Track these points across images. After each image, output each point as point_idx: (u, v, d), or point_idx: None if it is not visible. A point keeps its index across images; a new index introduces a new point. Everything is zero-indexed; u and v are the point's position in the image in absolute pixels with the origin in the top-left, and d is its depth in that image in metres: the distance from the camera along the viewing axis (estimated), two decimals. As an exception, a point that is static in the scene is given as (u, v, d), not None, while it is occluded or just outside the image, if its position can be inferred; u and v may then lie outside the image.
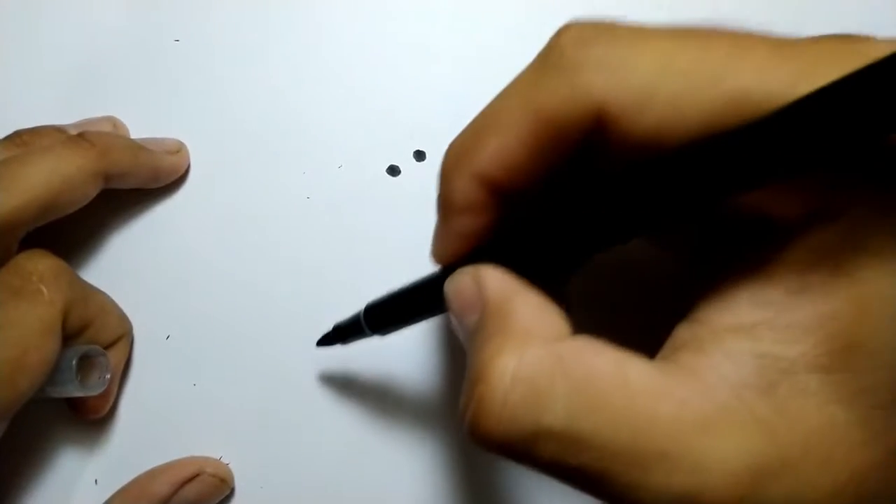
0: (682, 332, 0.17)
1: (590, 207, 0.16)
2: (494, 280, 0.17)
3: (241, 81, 0.31)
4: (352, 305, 0.29)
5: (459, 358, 0.29)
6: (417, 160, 0.30)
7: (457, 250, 0.20)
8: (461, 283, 0.18)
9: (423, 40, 0.31)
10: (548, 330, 0.16)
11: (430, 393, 0.29)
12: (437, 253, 0.21)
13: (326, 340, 0.27)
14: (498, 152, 0.17)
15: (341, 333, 0.26)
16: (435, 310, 0.22)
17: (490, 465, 0.28)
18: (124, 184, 0.28)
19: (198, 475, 0.28)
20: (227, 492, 0.29)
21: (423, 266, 0.29)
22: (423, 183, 0.30)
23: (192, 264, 0.30)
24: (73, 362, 0.25)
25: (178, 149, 0.30)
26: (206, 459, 0.29)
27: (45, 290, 0.24)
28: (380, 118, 0.30)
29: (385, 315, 0.24)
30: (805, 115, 0.13)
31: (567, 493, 0.28)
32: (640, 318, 0.19)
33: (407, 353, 0.29)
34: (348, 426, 0.29)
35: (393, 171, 0.30)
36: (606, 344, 0.16)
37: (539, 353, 0.15)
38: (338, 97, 0.31)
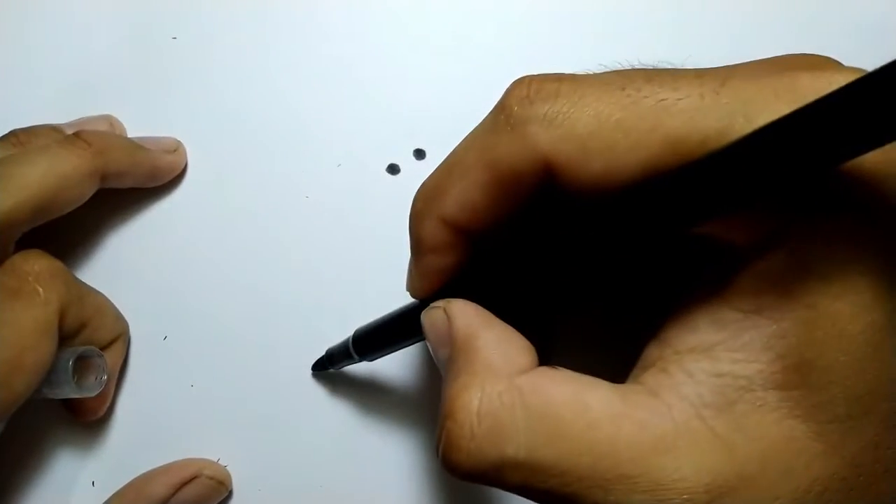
0: (650, 353, 0.18)
1: (547, 245, 0.18)
2: (462, 316, 0.19)
3: (239, 79, 0.31)
4: (352, 305, 0.29)
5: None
6: (417, 159, 0.30)
7: (429, 286, 0.21)
8: (433, 317, 0.20)
9: (423, 39, 0.31)
10: (511, 363, 0.17)
11: (426, 393, 0.29)
12: (412, 288, 0.22)
13: (320, 366, 0.29)
14: (460, 197, 0.19)
15: (332, 359, 0.28)
16: (416, 337, 0.23)
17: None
18: (121, 183, 0.28)
19: (196, 477, 0.28)
20: (225, 494, 0.29)
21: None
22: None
23: (190, 264, 0.30)
24: (70, 363, 0.25)
25: (176, 147, 0.30)
26: (204, 461, 0.28)
27: (41, 290, 0.24)
28: (379, 117, 0.30)
29: (371, 342, 0.25)
30: (736, 158, 0.14)
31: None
32: (619, 340, 0.21)
33: (403, 355, 0.29)
34: (346, 428, 0.29)
35: (392, 169, 0.30)
36: (568, 373, 0.17)
37: (500, 387, 0.17)
38: (337, 95, 0.30)
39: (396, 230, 0.29)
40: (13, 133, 0.27)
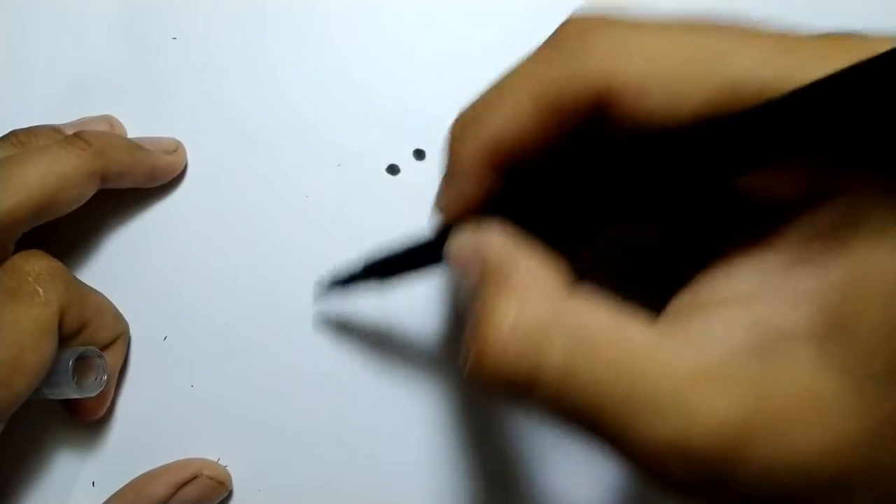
0: (681, 300, 0.18)
1: (592, 174, 0.17)
2: (496, 238, 0.18)
3: (239, 79, 0.31)
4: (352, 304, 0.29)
5: (453, 359, 0.29)
6: (417, 159, 0.30)
7: (459, 210, 0.20)
8: (463, 241, 0.19)
9: (423, 39, 0.31)
10: (547, 285, 0.17)
11: (429, 395, 0.29)
12: (441, 208, 0.21)
13: (326, 286, 0.28)
14: (505, 124, 0.18)
15: (341, 281, 0.27)
16: (434, 263, 0.22)
17: (491, 461, 0.28)
18: (121, 183, 0.28)
19: (196, 477, 0.28)
20: (225, 494, 0.29)
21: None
22: (423, 182, 0.30)
23: (190, 264, 0.30)
24: (70, 363, 0.25)
25: (175, 148, 0.30)
26: (204, 461, 0.29)
27: (40, 290, 0.24)
28: (379, 117, 0.30)
29: (385, 265, 0.25)
30: (802, 104, 0.14)
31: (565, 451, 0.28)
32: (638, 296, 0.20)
33: (404, 351, 0.29)
34: (347, 428, 0.29)
35: (392, 170, 0.30)
36: (605, 300, 0.17)
37: (536, 306, 0.16)
38: (337, 95, 0.30)
39: (397, 230, 0.29)
40: (13, 133, 0.27)
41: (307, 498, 0.29)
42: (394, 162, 0.30)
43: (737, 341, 0.16)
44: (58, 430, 0.29)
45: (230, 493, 0.29)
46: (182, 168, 0.30)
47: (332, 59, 0.31)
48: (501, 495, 0.28)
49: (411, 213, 0.30)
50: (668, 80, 0.16)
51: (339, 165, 0.30)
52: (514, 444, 0.29)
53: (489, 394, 0.17)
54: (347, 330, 0.29)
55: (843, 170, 0.15)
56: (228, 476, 0.29)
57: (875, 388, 0.15)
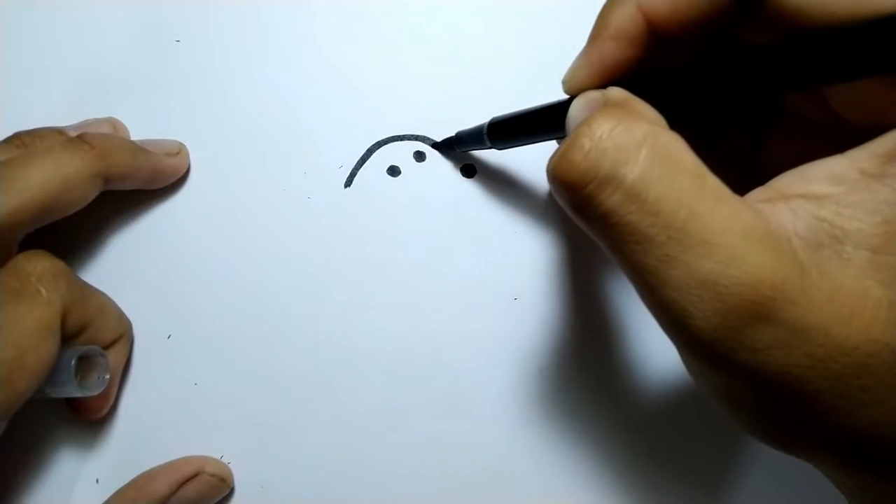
0: (754, 193, 0.18)
1: (737, 63, 0.18)
2: (619, 89, 0.19)
3: (241, 82, 0.31)
4: (353, 305, 0.29)
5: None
6: (417, 161, 0.30)
7: (591, 78, 0.21)
8: (590, 95, 0.20)
9: (423, 41, 0.31)
10: (654, 117, 0.18)
11: (431, 396, 0.29)
12: (572, 76, 0.22)
13: (445, 144, 0.29)
14: None
15: (461, 140, 0.28)
16: (554, 131, 0.23)
17: (494, 460, 0.28)
18: (124, 185, 0.28)
19: (197, 474, 0.28)
20: (227, 491, 0.29)
21: (423, 265, 0.29)
22: (423, 183, 0.30)
23: (193, 264, 0.30)
24: (72, 363, 0.25)
25: (178, 150, 0.30)
26: (206, 459, 0.29)
27: (43, 290, 0.24)
28: (380, 119, 0.30)
29: (506, 129, 0.25)
30: None
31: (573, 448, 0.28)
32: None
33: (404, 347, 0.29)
34: (348, 426, 0.29)
35: (393, 171, 0.30)
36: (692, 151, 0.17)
37: (638, 124, 0.17)
38: (338, 98, 0.31)
39: (397, 231, 0.30)
40: (17, 135, 0.27)
41: (308, 495, 0.29)
42: (394, 163, 0.30)
43: (798, 227, 0.16)
44: (61, 428, 0.29)
45: (232, 490, 0.29)
46: (185, 170, 0.30)
47: (334, 63, 0.31)
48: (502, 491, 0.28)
49: (412, 213, 0.30)
50: None
51: (340, 167, 0.30)
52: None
53: (560, 196, 0.18)
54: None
55: None
56: (230, 473, 0.29)
57: None
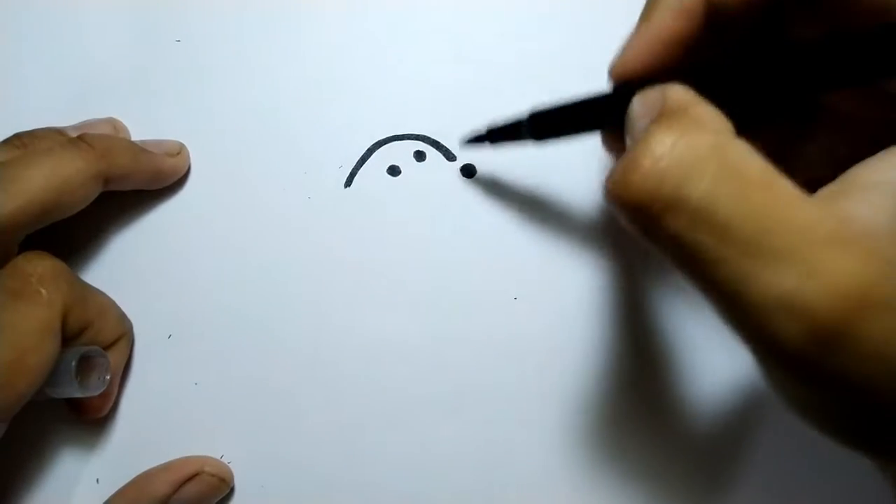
0: (827, 188, 0.17)
1: (793, 56, 0.17)
2: (678, 89, 0.18)
3: (242, 83, 0.31)
4: (353, 305, 0.29)
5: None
6: (417, 160, 0.30)
7: (643, 58, 0.20)
8: (648, 93, 0.19)
9: (424, 42, 0.31)
10: (718, 124, 0.17)
11: (431, 396, 0.29)
12: (621, 60, 0.21)
13: (477, 139, 0.28)
14: None
15: (494, 134, 0.27)
16: (601, 124, 0.22)
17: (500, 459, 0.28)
18: (125, 185, 0.28)
19: (197, 474, 0.28)
20: (227, 491, 0.29)
21: (423, 265, 0.29)
22: (423, 183, 0.30)
23: (194, 264, 0.30)
24: (73, 363, 0.25)
25: (179, 150, 0.30)
26: (206, 458, 0.29)
27: (43, 291, 0.24)
28: (380, 119, 0.30)
29: (550, 121, 0.24)
30: None
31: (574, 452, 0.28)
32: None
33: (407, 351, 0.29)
34: (348, 426, 0.29)
35: (393, 171, 0.30)
36: (763, 155, 0.16)
37: (701, 136, 0.16)
38: (338, 98, 0.30)
39: (397, 230, 0.30)
40: (17, 136, 0.27)
41: (308, 495, 0.29)
42: (394, 163, 0.30)
43: (879, 221, 0.16)
44: (62, 428, 0.29)
45: (232, 490, 0.29)
46: (185, 170, 0.30)
47: (335, 63, 0.31)
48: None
49: (412, 213, 0.30)
50: None
51: (340, 167, 0.30)
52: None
53: (622, 218, 0.17)
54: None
55: None
56: (230, 473, 0.29)
57: None
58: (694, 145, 0.16)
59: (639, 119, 0.19)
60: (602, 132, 0.24)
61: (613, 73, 0.21)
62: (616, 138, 0.20)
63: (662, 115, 0.17)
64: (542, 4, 0.30)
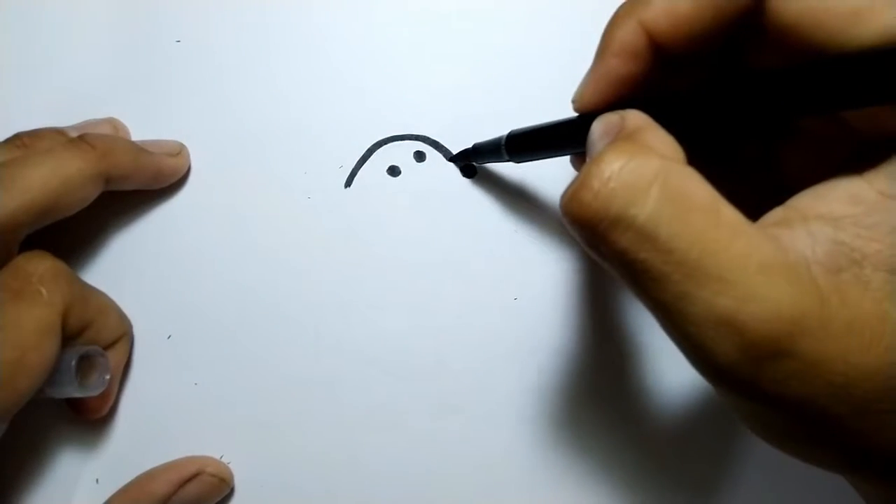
0: (775, 213, 0.18)
1: (743, 87, 0.18)
2: (635, 115, 0.19)
3: (242, 82, 0.31)
4: (353, 305, 0.29)
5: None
6: (417, 161, 0.30)
7: (599, 94, 0.21)
8: (609, 116, 0.20)
9: (424, 42, 0.31)
10: (667, 150, 0.18)
11: (431, 396, 0.29)
12: (580, 95, 0.22)
13: (463, 156, 0.29)
14: (668, 5, 0.19)
15: (478, 152, 0.28)
16: (569, 146, 0.23)
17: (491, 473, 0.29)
18: (125, 185, 0.28)
19: (197, 475, 0.28)
20: (227, 491, 0.29)
21: (422, 265, 0.30)
22: (423, 183, 0.30)
23: (194, 265, 0.30)
24: (73, 363, 0.25)
25: (179, 150, 0.30)
26: (206, 459, 0.29)
27: (44, 291, 0.24)
28: (380, 119, 0.30)
29: (523, 143, 0.25)
30: None
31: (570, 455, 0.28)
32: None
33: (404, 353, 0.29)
34: (348, 426, 0.29)
35: (393, 171, 0.30)
36: (709, 184, 0.17)
37: (648, 161, 0.17)
38: (338, 98, 0.31)
39: (397, 231, 0.30)
40: (17, 136, 0.27)
41: (308, 495, 0.29)
42: (394, 163, 0.30)
43: (817, 252, 0.17)
44: (62, 428, 0.29)
45: (232, 490, 0.29)
46: (186, 170, 0.30)
47: (334, 63, 0.31)
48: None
49: (412, 213, 0.30)
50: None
51: (340, 167, 0.30)
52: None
53: (574, 233, 0.18)
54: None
55: None
56: (230, 473, 0.29)
57: None
58: (641, 169, 0.17)
59: (598, 141, 0.20)
60: (571, 154, 0.25)
61: (574, 106, 0.22)
62: (583, 161, 0.21)
63: (617, 139, 0.18)
64: (541, 5, 0.30)
